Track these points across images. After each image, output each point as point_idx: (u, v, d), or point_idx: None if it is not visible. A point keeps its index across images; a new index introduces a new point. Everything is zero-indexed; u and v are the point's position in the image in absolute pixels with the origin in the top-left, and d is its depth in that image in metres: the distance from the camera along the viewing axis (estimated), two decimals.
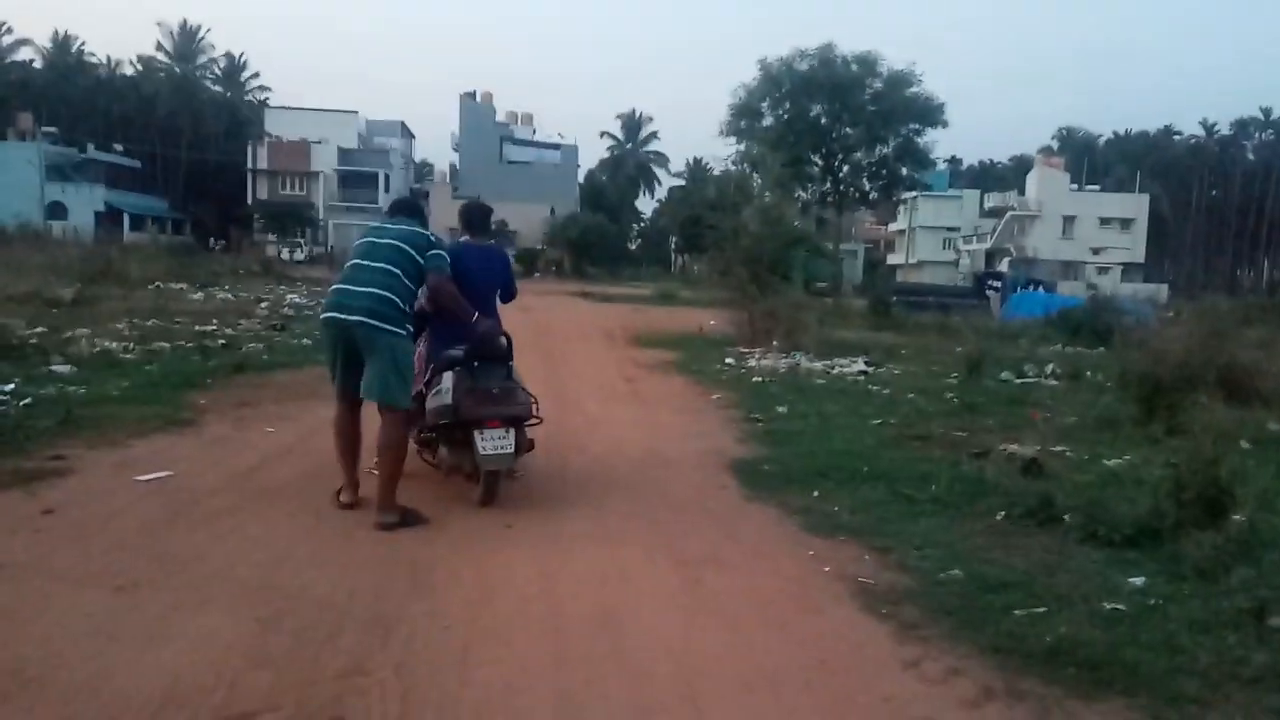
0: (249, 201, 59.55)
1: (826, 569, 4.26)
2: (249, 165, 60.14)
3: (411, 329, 4.96)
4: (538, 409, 5.29)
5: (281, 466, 5.89)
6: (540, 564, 4.23)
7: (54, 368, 8.65)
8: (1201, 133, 78.83)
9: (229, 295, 21.06)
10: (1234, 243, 73.70)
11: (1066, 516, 4.92)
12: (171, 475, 5.46)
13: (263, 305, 19.03)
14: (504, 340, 5.36)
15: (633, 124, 79.00)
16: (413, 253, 4.88)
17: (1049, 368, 13.25)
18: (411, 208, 5.49)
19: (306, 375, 9.49)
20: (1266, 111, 76.26)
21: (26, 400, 7.08)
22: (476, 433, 4.95)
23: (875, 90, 38.12)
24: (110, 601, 3.55)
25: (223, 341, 11.89)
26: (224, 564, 4.09)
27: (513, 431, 5.06)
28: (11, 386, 7.48)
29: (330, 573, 4.04)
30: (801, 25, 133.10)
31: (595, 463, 6.51)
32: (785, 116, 38.29)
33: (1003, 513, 5.09)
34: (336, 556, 4.26)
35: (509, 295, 5.91)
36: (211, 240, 52.78)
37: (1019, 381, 11.96)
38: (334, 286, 4.95)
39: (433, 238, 5.06)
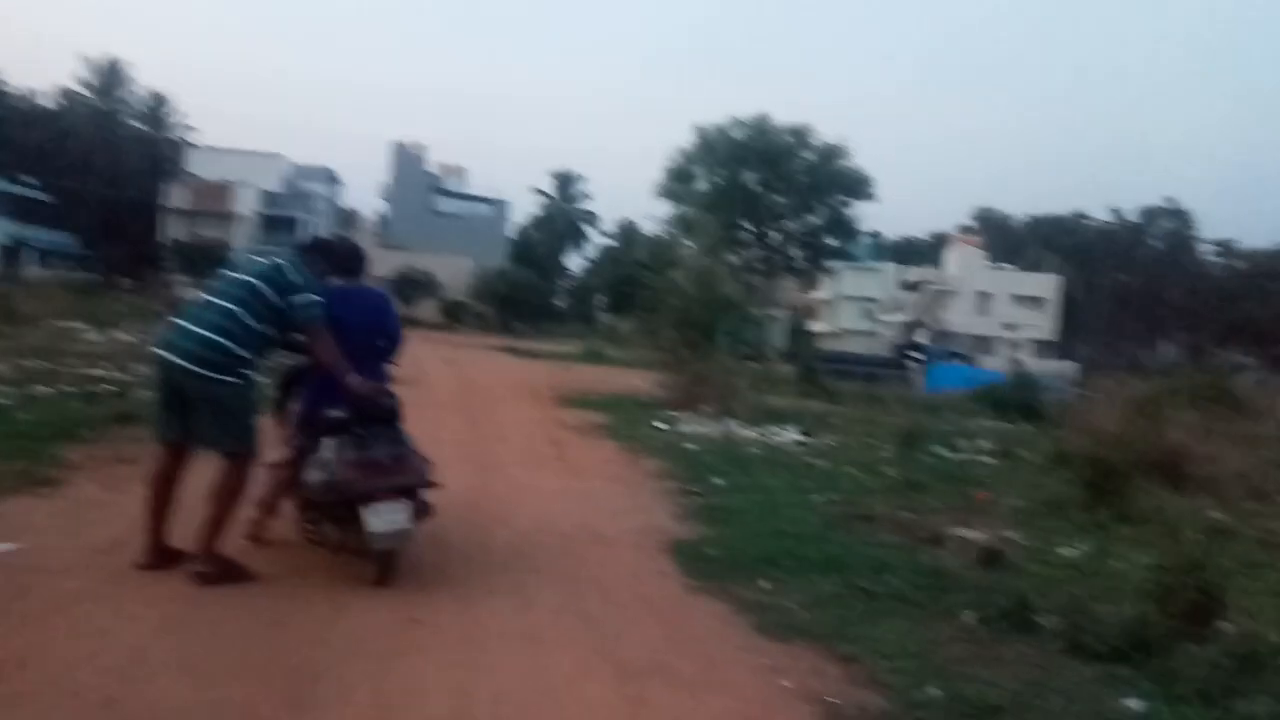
0: (164, 241, 57.45)
1: (787, 684, 3.68)
2: (166, 204, 58.14)
3: (249, 375, 4.43)
4: (434, 474, 4.69)
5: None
6: (453, 675, 3.56)
7: None
8: (1111, 218, 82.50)
9: (130, 337, 19.78)
10: (1138, 324, 76.80)
11: (1042, 620, 4.47)
12: (18, 549, 4.62)
13: None
14: (389, 399, 4.76)
15: (565, 182, 79.14)
16: (268, 292, 4.41)
17: (981, 443, 13.06)
18: (310, 246, 4.97)
19: None
20: (1171, 201, 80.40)
21: None
22: (365, 508, 4.33)
23: (807, 161, 38.79)
24: None
25: (112, 387, 10.87)
26: (61, 669, 3.33)
27: (407, 503, 4.45)
28: None
29: (192, 682, 3.31)
30: (736, 90, 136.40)
31: (520, 539, 5.85)
32: (720, 182, 38.62)
33: (973, 613, 4.60)
34: (202, 660, 3.52)
35: (394, 346, 5.17)
36: (121, 279, 50.52)
37: (954, 457, 11.70)
38: (173, 320, 4.54)
39: (297, 279, 4.49)
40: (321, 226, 60.48)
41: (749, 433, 12.31)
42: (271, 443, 5.09)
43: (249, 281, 4.43)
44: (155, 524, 4.51)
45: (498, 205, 71.98)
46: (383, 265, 52.97)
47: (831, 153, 38.62)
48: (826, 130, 41.52)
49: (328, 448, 4.54)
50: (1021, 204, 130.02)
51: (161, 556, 4.50)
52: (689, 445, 10.87)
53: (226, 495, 4.42)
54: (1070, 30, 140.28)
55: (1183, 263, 76.01)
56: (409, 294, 54.25)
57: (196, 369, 4.25)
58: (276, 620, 3.99)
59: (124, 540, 4.81)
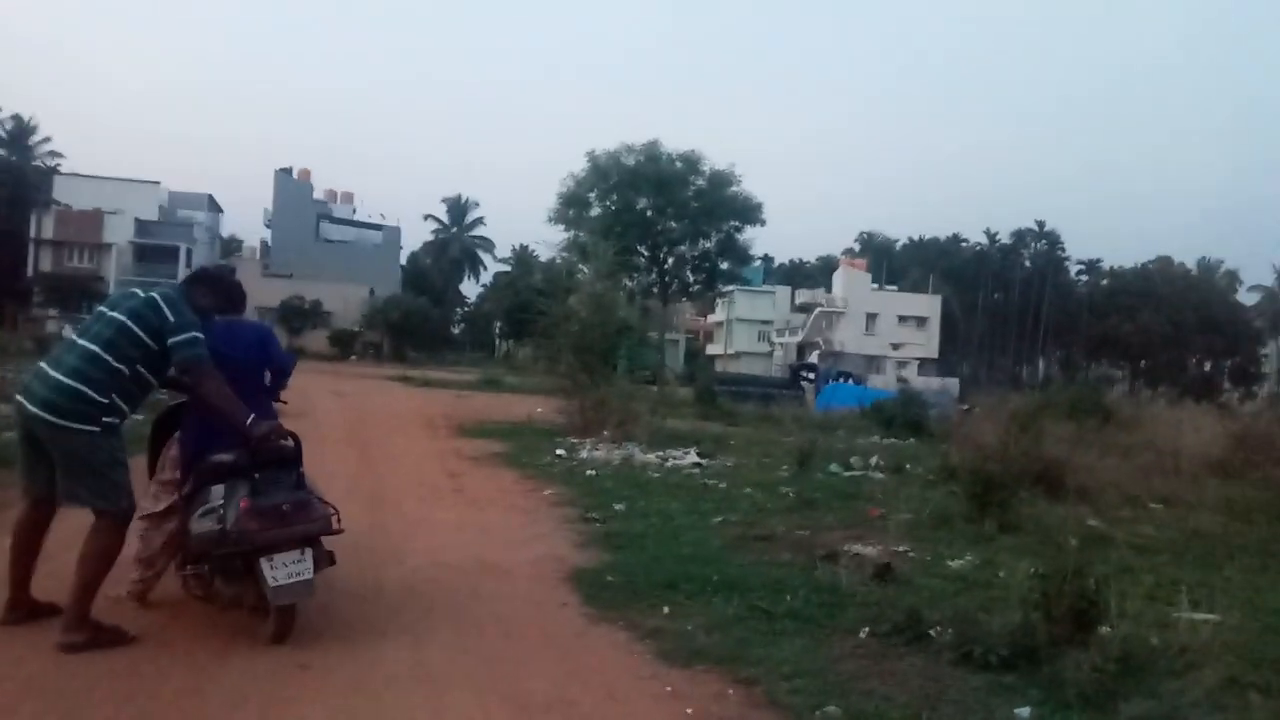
0: (30, 273, 54.25)
1: (689, 710, 3.65)
2: (32, 234, 54.95)
3: (112, 423, 4.04)
4: (339, 520, 4.35)
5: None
6: None
7: None
8: (986, 241, 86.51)
9: None
10: (1015, 342, 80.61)
11: (933, 632, 4.58)
12: None
13: None
14: (289, 440, 4.44)
15: (458, 208, 78.34)
16: (138, 332, 4.07)
17: (873, 460, 13.40)
18: (196, 279, 4.66)
19: None
20: (1041, 224, 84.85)
21: None
22: (264, 560, 4.01)
23: (699, 187, 39.46)
24: None
25: None
26: None
27: (309, 551, 4.13)
28: None
29: None
30: (628, 115, 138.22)
31: (414, 576, 5.68)
32: (613, 208, 38.94)
33: (868, 629, 4.68)
34: (68, 718, 3.29)
35: (282, 376, 4.96)
36: None
37: (847, 474, 11.97)
38: (38, 364, 4.21)
39: (172, 316, 4.11)
40: (202, 256, 58.24)
41: (649, 457, 12.35)
42: (145, 492, 4.71)
43: (118, 320, 4.09)
44: (18, 577, 4.20)
45: (389, 232, 70.67)
46: (268, 295, 51.28)
47: (721, 179, 39.41)
48: (716, 156, 42.30)
49: (217, 495, 4.18)
50: (902, 228, 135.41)
51: (25, 611, 4.19)
52: (589, 471, 10.83)
53: (95, 559, 4.02)
54: (950, 61, 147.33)
55: (1053, 282, 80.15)
56: (296, 324, 52.64)
57: (48, 417, 3.91)
58: (155, 674, 3.76)
59: None
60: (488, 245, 79.27)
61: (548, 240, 55.41)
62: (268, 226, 68.57)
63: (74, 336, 4.19)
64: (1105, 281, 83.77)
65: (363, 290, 57.92)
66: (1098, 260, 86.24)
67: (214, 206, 67.46)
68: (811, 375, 42.30)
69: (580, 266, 25.31)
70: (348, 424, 15.02)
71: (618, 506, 8.39)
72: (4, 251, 56.63)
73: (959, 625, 4.50)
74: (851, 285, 69.84)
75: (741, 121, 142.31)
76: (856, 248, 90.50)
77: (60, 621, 4.01)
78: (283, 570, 4.03)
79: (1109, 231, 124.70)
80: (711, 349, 78.40)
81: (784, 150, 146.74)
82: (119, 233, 55.79)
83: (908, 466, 12.79)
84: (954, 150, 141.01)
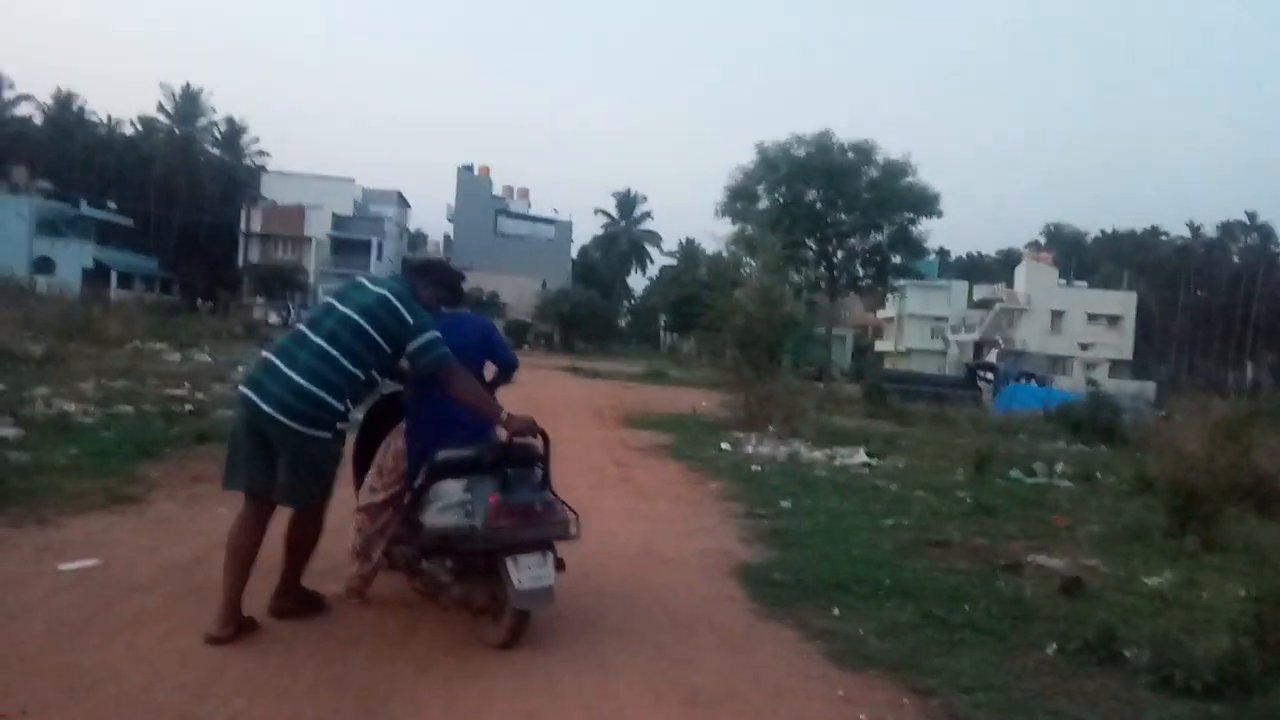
0: (240, 264, 59.34)
1: (862, 716, 3.57)
2: (242, 228, 60.07)
3: (345, 426, 3.99)
4: (578, 527, 4.15)
5: None
6: (522, 698, 3.53)
7: None
8: (1188, 234, 79.93)
9: (208, 358, 20.41)
10: (1219, 344, 74.15)
11: (1129, 653, 4.27)
12: (100, 564, 4.77)
13: (240, 369, 18.35)
14: (540, 438, 4.22)
15: (627, 202, 79.63)
16: (372, 333, 3.93)
17: (1059, 467, 12.67)
18: (422, 269, 4.49)
19: None
20: (1252, 215, 77.58)
21: None
22: (509, 560, 3.85)
23: (871, 178, 38.23)
24: None
25: (190, 407, 11.20)
26: (139, 685, 3.40)
27: (550, 556, 3.98)
28: None
29: (265, 702, 3.35)
30: (798, 109, 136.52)
31: (586, 561, 5.77)
32: (781, 200, 38.30)
33: (1055, 645, 4.42)
34: (275, 679, 3.55)
35: (505, 371, 4.77)
36: (199, 301, 52.31)
37: (1030, 481, 11.37)
38: (263, 354, 4.04)
39: (408, 317, 3.96)
40: (391, 249, 61.88)
41: (815, 454, 12.16)
42: (347, 481, 4.64)
43: (352, 319, 3.94)
44: (233, 586, 3.92)
45: (561, 226, 72.73)
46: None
47: (896, 169, 38.01)
48: (891, 146, 40.68)
49: (455, 489, 4.01)
50: (1093, 220, 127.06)
51: (238, 626, 3.93)
52: (754, 466, 10.77)
53: (301, 543, 4.14)
54: (1142, 44, 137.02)
55: (1265, 279, 73.14)
56: None
57: (286, 421, 3.80)
58: (349, 641, 4.03)
59: (202, 557, 4.93)
60: (655, 239, 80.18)
61: (714, 233, 55.51)
62: (450, 221, 71.95)
63: (305, 329, 4.01)
64: None
65: (535, 282, 59.97)
66: None
67: (402, 202, 71.52)
68: (990, 375, 40.38)
69: (747, 260, 25.15)
70: (523, 411, 15.53)
71: (784, 503, 8.30)
72: (219, 244, 62.23)
73: (1158, 647, 4.18)
74: (1036, 280, 66.02)
75: (919, 110, 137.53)
76: (1042, 241, 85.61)
77: (273, 589, 4.22)
78: (527, 573, 3.87)
79: None
80: (881, 345, 76.12)
81: (965, 139, 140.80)
82: (318, 226, 60.14)
83: (1098, 475, 12.05)
84: (1153, 135, 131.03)
